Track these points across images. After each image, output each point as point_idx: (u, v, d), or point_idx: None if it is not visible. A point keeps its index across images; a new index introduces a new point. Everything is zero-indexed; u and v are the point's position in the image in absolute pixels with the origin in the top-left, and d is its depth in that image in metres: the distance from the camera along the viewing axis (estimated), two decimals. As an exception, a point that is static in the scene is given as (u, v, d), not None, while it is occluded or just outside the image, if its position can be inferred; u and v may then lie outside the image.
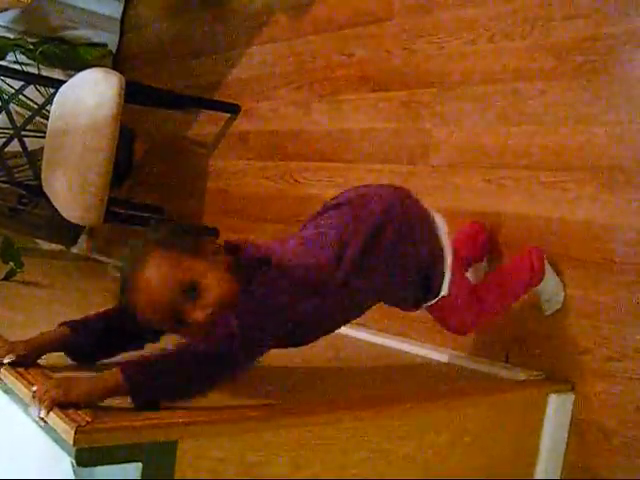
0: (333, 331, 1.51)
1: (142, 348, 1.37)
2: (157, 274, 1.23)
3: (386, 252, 1.47)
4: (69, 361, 1.35)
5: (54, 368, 1.29)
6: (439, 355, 2.01)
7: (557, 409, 1.76)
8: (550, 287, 1.85)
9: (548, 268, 1.85)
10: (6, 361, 1.26)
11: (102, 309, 1.38)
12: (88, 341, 1.34)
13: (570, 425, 1.79)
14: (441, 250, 1.58)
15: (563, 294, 1.85)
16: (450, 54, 2.23)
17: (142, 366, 1.13)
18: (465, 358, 1.98)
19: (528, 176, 1.97)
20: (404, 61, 2.39)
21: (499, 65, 2.08)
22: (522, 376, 1.83)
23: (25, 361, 1.28)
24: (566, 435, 1.79)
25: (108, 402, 1.11)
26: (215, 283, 1.26)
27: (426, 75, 2.30)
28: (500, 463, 1.69)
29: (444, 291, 1.58)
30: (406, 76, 2.38)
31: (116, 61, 4.10)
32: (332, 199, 1.63)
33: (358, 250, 1.43)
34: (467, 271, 2.00)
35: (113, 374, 1.10)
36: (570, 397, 1.79)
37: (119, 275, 1.29)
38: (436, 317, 1.74)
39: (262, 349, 1.25)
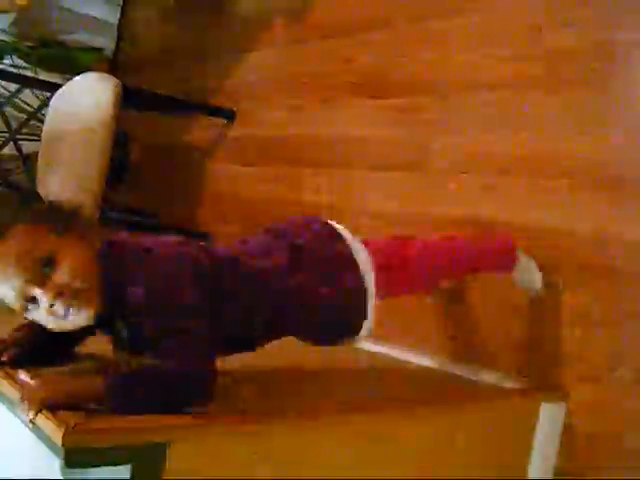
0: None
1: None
2: (13, 245, 1.16)
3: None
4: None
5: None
6: (430, 361, 2.01)
7: (549, 417, 1.76)
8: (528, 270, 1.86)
9: (522, 258, 1.85)
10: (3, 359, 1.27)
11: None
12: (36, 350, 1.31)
13: (562, 433, 1.79)
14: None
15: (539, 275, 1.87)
16: (449, 61, 2.23)
17: (122, 376, 1.13)
18: (457, 365, 1.98)
19: (527, 183, 1.97)
20: (403, 68, 2.39)
21: (500, 72, 2.08)
22: (514, 384, 1.83)
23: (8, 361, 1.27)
24: (558, 443, 1.79)
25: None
26: (71, 259, 1.19)
27: (425, 82, 2.30)
28: (491, 470, 1.68)
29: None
30: (405, 83, 2.38)
31: (113, 66, 4.09)
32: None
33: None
34: None
35: (96, 380, 1.10)
36: (562, 405, 1.79)
37: None
38: None
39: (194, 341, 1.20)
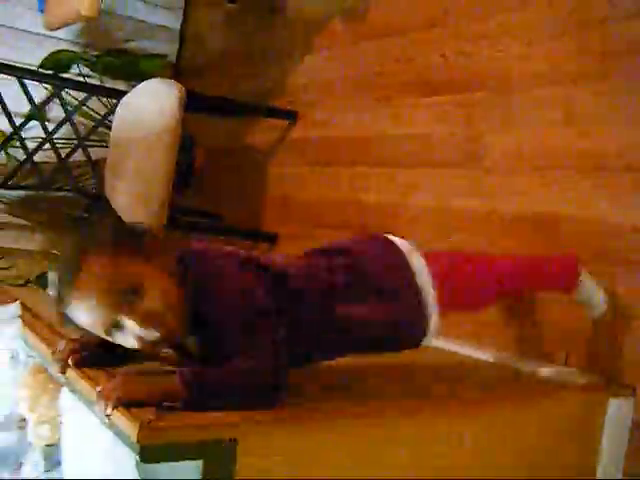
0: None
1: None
2: (95, 277, 1.17)
3: None
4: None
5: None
6: (496, 356, 2.00)
7: (617, 413, 1.74)
8: (589, 293, 1.83)
9: (585, 276, 1.81)
10: (69, 362, 1.31)
11: None
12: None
13: (631, 429, 1.77)
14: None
15: (603, 298, 1.83)
16: (504, 57, 2.22)
17: (204, 379, 1.16)
18: (524, 361, 1.96)
19: (586, 178, 1.95)
20: (459, 65, 2.39)
21: (553, 67, 2.07)
22: (581, 379, 1.81)
23: (87, 362, 1.32)
24: (627, 439, 1.77)
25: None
26: (155, 286, 1.20)
27: (480, 78, 2.30)
28: (560, 466, 1.67)
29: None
30: (461, 80, 2.38)
31: (176, 71, 4.17)
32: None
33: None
34: None
35: (173, 380, 1.14)
36: (630, 401, 1.77)
37: (57, 279, 1.25)
38: None
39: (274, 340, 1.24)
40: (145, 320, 1.18)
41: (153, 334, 1.19)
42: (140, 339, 1.20)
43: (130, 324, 1.18)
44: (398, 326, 1.50)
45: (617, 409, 1.74)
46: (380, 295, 1.47)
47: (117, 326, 1.19)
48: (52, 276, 1.24)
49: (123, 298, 1.17)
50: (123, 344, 1.22)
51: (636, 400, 1.77)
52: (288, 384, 1.23)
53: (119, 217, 1.32)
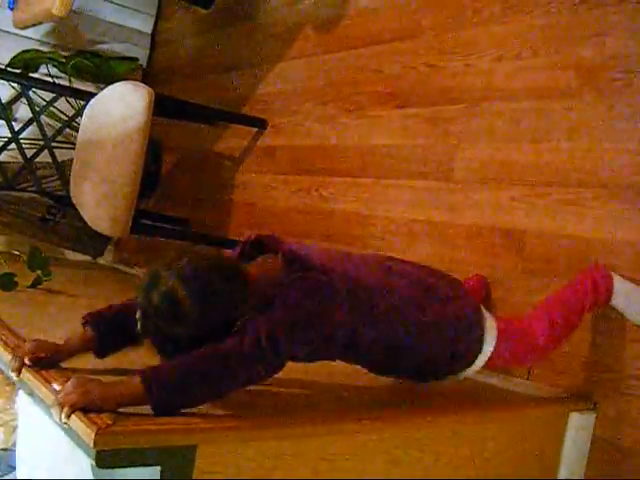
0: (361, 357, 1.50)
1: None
2: None
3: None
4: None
5: (75, 370, 1.30)
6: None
7: (578, 427, 1.75)
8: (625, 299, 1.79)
9: (619, 282, 1.78)
10: (26, 361, 1.28)
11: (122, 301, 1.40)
12: (111, 338, 1.36)
13: (591, 444, 1.78)
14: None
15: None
16: (477, 71, 2.24)
17: (159, 371, 1.15)
18: (486, 374, 1.97)
19: (552, 193, 1.97)
20: (431, 77, 2.40)
21: (525, 82, 2.09)
22: (543, 393, 1.82)
23: (46, 363, 1.29)
24: (587, 453, 1.78)
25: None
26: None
27: (453, 92, 2.31)
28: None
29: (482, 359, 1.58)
30: (433, 92, 2.39)
31: (146, 75, 4.15)
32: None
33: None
34: None
35: (131, 379, 1.12)
36: (592, 416, 1.78)
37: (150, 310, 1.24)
38: None
39: (285, 360, 1.25)
40: None
41: None
42: None
43: None
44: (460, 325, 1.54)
45: (578, 423, 1.75)
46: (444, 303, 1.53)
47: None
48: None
49: None
50: None
51: (597, 415, 1.78)
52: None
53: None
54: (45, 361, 1.30)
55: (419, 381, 1.64)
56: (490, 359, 1.57)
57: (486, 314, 1.60)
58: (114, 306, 1.40)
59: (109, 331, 1.36)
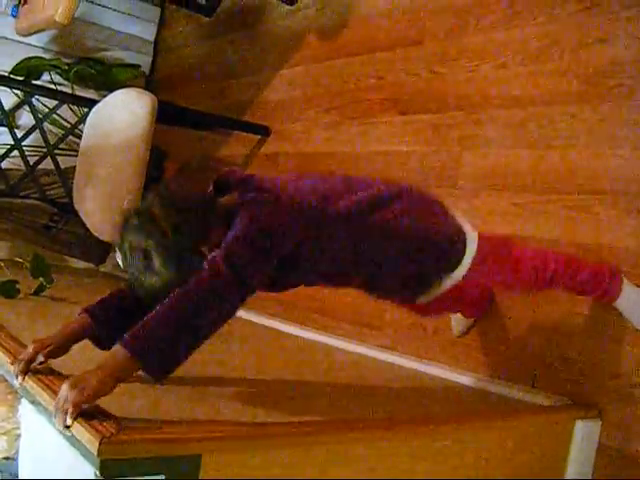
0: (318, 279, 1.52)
1: None
2: None
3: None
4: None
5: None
6: (464, 378, 2.00)
7: (584, 435, 1.74)
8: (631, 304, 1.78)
9: (627, 286, 1.76)
10: (42, 359, 1.28)
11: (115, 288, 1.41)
12: (109, 325, 1.36)
13: (597, 451, 1.77)
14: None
15: None
16: (480, 78, 2.23)
17: (136, 330, 1.15)
18: (491, 382, 1.96)
19: (556, 200, 1.96)
20: (434, 84, 2.40)
21: (529, 88, 2.08)
22: (549, 401, 1.81)
23: (55, 356, 1.30)
24: (593, 461, 1.77)
25: (133, 414, 1.12)
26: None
27: (455, 98, 2.31)
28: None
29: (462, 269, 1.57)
30: (435, 99, 2.38)
31: (149, 82, 4.15)
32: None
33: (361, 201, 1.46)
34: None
35: (114, 352, 1.13)
36: (597, 423, 1.77)
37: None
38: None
39: (250, 281, 1.26)
40: None
41: None
42: None
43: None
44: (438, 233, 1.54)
45: (583, 431, 1.74)
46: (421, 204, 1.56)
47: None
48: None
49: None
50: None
51: (602, 422, 1.77)
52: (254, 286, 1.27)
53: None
54: (54, 352, 1.30)
55: (409, 292, 1.62)
56: (474, 263, 1.56)
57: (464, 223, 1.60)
58: (110, 293, 1.42)
59: (106, 318, 1.36)
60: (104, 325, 1.35)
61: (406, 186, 1.60)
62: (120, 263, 1.31)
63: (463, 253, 1.55)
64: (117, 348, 1.13)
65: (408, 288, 1.61)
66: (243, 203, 1.34)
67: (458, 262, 1.55)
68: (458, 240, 1.56)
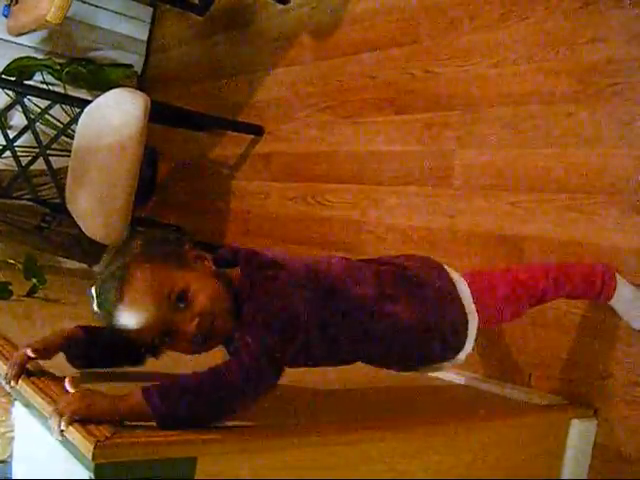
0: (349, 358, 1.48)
1: (142, 364, 1.37)
2: (143, 287, 1.20)
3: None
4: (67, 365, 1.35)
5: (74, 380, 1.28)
6: (458, 377, 1.99)
7: (579, 434, 1.74)
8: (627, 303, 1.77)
9: (622, 285, 1.76)
10: (29, 353, 1.27)
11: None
12: (97, 348, 1.35)
13: (592, 451, 1.77)
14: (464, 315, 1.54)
15: None
16: (474, 77, 2.23)
17: (165, 390, 1.12)
18: (486, 382, 1.96)
19: (552, 199, 1.96)
20: (428, 84, 2.40)
21: (523, 88, 2.08)
22: (544, 400, 1.81)
23: (43, 357, 1.29)
24: (588, 461, 1.77)
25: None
26: (203, 289, 1.23)
27: (450, 98, 2.30)
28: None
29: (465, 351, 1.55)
30: (430, 98, 2.38)
31: (141, 82, 4.14)
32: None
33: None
34: None
35: (135, 395, 1.10)
36: (593, 422, 1.77)
37: (99, 292, 1.26)
38: None
39: (284, 361, 1.23)
40: (198, 326, 1.21)
41: (205, 339, 1.23)
42: (194, 343, 1.23)
43: (185, 331, 1.21)
44: (439, 323, 1.50)
45: (579, 430, 1.74)
46: (423, 292, 1.49)
47: (168, 334, 1.22)
48: (92, 292, 1.25)
49: (173, 305, 1.20)
50: (173, 350, 1.25)
51: (598, 422, 1.77)
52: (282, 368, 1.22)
53: (152, 230, 1.37)
54: (44, 353, 1.29)
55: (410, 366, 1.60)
56: (480, 314, 1.54)
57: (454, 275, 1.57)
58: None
59: (98, 344, 1.34)
60: (90, 346, 1.34)
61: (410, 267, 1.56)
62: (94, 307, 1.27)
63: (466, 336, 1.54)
64: (137, 394, 1.10)
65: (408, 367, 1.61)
66: (257, 282, 1.28)
67: (462, 344, 1.54)
68: (461, 328, 1.53)
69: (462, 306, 1.53)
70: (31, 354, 1.28)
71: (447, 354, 1.54)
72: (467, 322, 1.53)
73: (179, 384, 1.14)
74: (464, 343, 1.53)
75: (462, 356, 1.55)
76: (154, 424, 1.09)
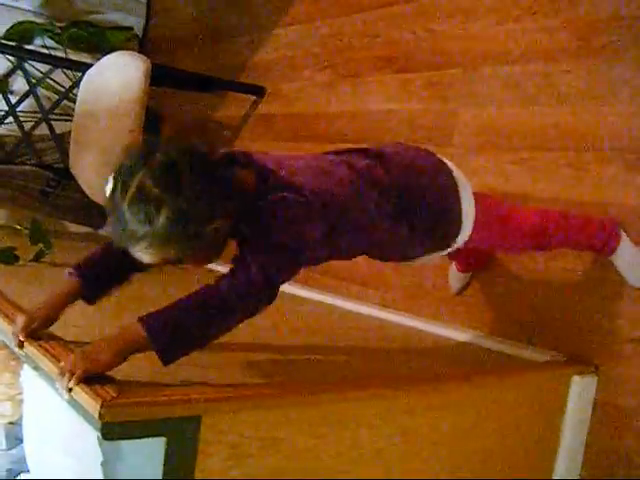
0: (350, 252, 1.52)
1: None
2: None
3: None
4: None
5: (77, 343, 1.30)
6: (462, 335, 2.01)
7: (580, 391, 1.76)
8: (628, 261, 1.78)
9: (625, 243, 1.77)
10: (21, 338, 1.29)
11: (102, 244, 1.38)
12: (98, 283, 1.36)
13: (593, 407, 1.79)
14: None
15: None
16: (475, 35, 2.22)
17: (160, 314, 1.15)
18: (488, 339, 1.98)
19: (552, 156, 1.96)
20: (429, 42, 2.38)
21: (524, 45, 2.07)
22: (545, 357, 1.83)
23: (48, 324, 1.31)
24: (589, 416, 1.79)
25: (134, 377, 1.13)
26: None
27: (451, 56, 2.29)
28: (523, 444, 1.69)
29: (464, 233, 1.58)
30: (431, 57, 2.37)
31: (142, 44, 4.11)
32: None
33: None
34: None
35: (132, 327, 1.13)
36: (593, 379, 1.78)
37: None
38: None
39: (280, 284, 1.25)
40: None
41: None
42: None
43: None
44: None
45: (580, 386, 1.75)
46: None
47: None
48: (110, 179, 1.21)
49: None
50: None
51: (599, 378, 1.79)
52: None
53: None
54: (41, 328, 1.31)
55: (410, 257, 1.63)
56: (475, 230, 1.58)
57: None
58: (95, 250, 1.39)
59: (94, 275, 1.36)
60: (93, 283, 1.35)
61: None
62: (107, 192, 1.20)
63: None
64: (133, 324, 1.13)
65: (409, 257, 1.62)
66: (272, 201, 1.28)
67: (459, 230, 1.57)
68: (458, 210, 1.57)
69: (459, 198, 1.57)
70: (23, 339, 1.29)
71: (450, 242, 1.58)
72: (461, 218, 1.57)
73: (172, 304, 1.17)
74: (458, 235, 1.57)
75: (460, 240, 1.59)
76: (159, 385, 1.12)
